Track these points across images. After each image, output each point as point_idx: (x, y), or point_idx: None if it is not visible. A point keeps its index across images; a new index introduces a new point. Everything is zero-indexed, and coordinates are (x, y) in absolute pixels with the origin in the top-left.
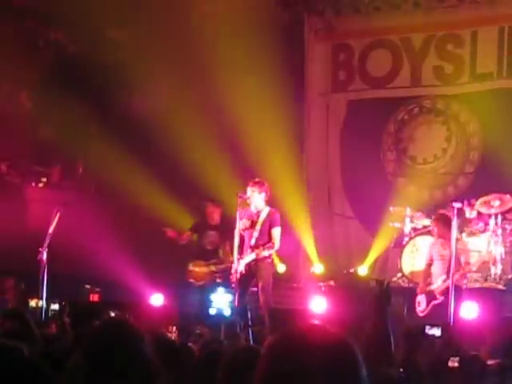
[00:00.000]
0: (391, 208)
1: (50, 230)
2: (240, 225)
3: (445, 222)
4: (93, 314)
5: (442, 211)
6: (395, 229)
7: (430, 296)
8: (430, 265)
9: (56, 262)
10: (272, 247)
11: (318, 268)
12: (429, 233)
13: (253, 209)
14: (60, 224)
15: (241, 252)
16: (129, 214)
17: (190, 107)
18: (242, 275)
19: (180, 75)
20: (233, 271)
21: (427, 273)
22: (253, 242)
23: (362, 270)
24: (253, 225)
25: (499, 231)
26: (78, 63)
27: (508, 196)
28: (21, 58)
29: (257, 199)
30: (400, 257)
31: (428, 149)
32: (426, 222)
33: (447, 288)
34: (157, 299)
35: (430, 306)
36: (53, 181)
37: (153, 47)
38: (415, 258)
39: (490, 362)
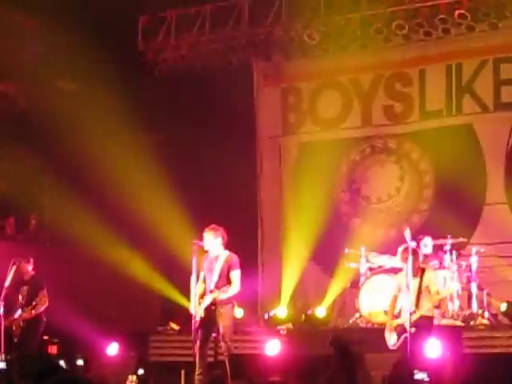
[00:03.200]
0: (347, 250)
1: (6, 283)
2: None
3: (413, 253)
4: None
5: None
6: (351, 269)
7: (400, 330)
8: (396, 296)
9: (12, 314)
10: (226, 291)
11: (282, 311)
12: (385, 272)
13: (211, 254)
14: (15, 277)
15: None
16: (83, 265)
17: (141, 155)
18: (201, 321)
19: (131, 123)
20: (193, 318)
21: (393, 305)
22: (212, 286)
23: (320, 312)
24: (211, 269)
25: (454, 267)
26: (28, 115)
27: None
28: None
29: (213, 244)
30: (357, 297)
31: (381, 188)
32: (382, 260)
33: (417, 320)
34: (113, 349)
35: (402, 338)
36: (6, 233)
37: (103, 96)
38: (373, 297)
39: None
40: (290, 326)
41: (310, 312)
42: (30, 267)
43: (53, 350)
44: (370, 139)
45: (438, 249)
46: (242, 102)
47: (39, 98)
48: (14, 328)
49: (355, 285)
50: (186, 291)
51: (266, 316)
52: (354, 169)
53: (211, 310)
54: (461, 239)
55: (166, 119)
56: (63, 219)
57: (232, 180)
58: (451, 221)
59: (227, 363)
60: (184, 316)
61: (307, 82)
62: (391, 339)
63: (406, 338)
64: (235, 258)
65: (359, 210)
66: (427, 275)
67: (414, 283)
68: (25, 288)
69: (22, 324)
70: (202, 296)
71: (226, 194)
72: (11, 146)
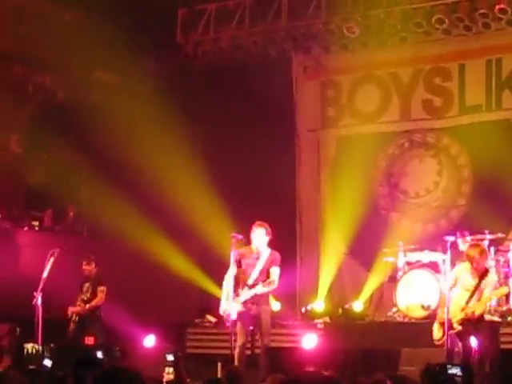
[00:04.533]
0: (384, 250)
1: (44, 275)
2: (236, 265)
3: (482, 253)
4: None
5: (476, 242)
6: (389, 263)
7: (447, 325)
8: (450, 289)
9: (50, 305)
10: (271, 284)
11: (319, 305)
12: (423, 266)
13: (254, 248)
14: (54, 268)
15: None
16: (121, 257)
17: (180, 148)
18: (240, 314)
19: (170, 116)
20: (226, 312)
21: (445, 299)
22: (250, 281)
23: (358, 306)
24: (252, 264)
25: (492, 263)
26: (67, 107)
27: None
28: (10, 105)
29: (261, 240)
30: (395, 291)
31: (420, 183)
32: (420, 255)
33: (465, 319)
34: (150, 341)
35: (447, 335)
36: (45, 225)
37: (142, 87)
38: (410, 291)
39: None
40: (327, 319)
41: (347, 306)
42: (93, 264)
43: (90, 341)
44: (408, 133)
45: None
46: (281, 94)
47: (78, 90)
48: (71, 324)
49: (393, 279)
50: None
51: (303, 310)
52: (393, 163)
53: (250, 304)
54: (499, 235)
55: (205, 112)
56: (100, 211)
57: (271, 173)
58: (489, 216)
59: (263, 357)
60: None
61: (346, 76)
62: (438, 334)
63: (451, 334)
64: (278, 256)
65: (397, 204)
66: (488, 278)
67: (473, 282)
68: (87, 285)
69: (74, 318)
70: (235, 291)
71: (264, 186)
72: (49, 138)
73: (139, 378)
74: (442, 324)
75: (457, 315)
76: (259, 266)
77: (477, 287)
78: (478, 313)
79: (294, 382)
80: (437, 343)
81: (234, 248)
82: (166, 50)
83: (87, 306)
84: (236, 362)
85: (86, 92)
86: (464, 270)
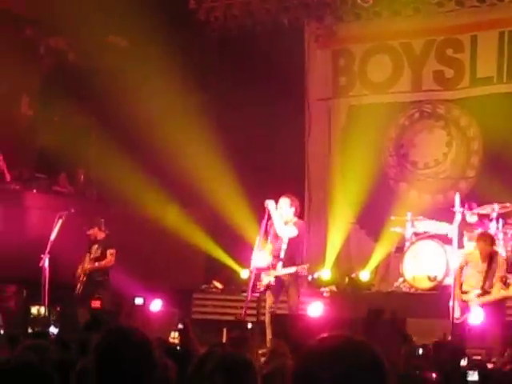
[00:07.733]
0: (393, 217)
1: (52, 237)
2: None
3: (491, 240)
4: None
5: (484, 231)
6: (396, 234)
7: (464, 305)
8: (462, 268)
9: (57, 268)
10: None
11: (326, 273)
12: (430, 237)
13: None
14: (62, 231)
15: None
16: (129, 221)
17: (190, 114)
18: (268, 285)
19: (181, 81)
20: (255, 281)
21: (459, 277)
22: (282, 254)
23: (364, 275)
24: (279, 238)
25: (500, 235)
26: (78, 70)
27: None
28: (21, 66)
29: (285, 211)
30: (401, 262)
31: (429, 154)
32: (428, 226)
33: (482, 304)
34: (157, 305)
35: (465, 316)
36: (54, 188)
37: (153, 53)
38: (417, 262)
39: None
40: (333, 288)
41: (353, 275)
42: (96, 228)
43: (96, 304)
44: (419, 104)
45: (484, 216)
46: (293, 63)
47: (90, 53)
48: (78, 284)
49: (400, 250)
50: (231, 250)
51: (310, 278)
52: (403, 133)
53: (281, 279)
54: (508, 204)
55: (216, 78)
56: (110, 175)
57: (280, 141)
58: (498, 188)
59: (268, 323)
60: (228, 275)
61: (358, 45)
62: (456, 311)
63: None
64: (303, 225)
65: (406, 174)
66: (498, 261)
67: (483, 266)
68: (95, 246)
69: (82, 278)
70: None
71: (274, 155)
72: (60, 101)
73: (146, 339)
74: (460, 302)
75: (472, 298)
76: (286, 239)
77: (488, 270)
78: (496, 298)
79: (314, 353)
80: (456, 321)
81: (267, 216)
82: (178, 15)
83: (96, 263)
84: (267, 325)
85: (98, 55)
86: (473, 254)
